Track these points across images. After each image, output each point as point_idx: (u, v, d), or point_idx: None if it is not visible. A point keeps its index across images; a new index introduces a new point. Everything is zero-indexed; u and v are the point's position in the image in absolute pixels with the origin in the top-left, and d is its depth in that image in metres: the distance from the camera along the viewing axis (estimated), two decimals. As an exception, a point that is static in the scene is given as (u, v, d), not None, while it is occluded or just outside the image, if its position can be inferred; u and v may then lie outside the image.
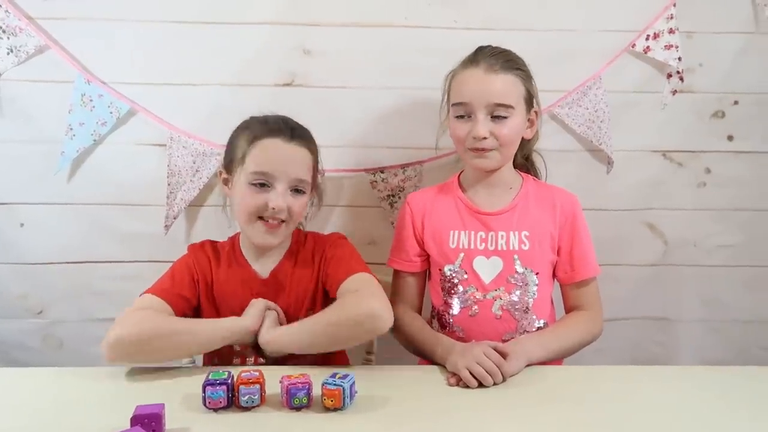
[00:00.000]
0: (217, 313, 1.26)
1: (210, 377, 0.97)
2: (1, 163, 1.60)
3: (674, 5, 1.57)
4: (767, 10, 1.58)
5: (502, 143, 1.25)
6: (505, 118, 1.23)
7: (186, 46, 1.57)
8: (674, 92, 1.62)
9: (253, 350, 1.20)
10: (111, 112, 1.56)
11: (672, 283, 1.72)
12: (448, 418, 0.95)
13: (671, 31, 1.58)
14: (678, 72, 1.60)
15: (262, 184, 1.22)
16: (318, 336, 1.13)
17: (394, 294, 1.37)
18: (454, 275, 1.29)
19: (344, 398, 0.95)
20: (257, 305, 1.19)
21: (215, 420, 0.94)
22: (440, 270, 1.31)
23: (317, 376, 0.98)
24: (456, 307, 1.29)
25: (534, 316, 1.28)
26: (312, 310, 1.26)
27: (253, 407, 0.96)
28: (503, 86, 1.24)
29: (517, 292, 1.27)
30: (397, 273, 1.38)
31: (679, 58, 1.58)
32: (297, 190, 1.24)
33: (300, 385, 0.96)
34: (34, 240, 1.63)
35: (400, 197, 1.62)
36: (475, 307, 1.27)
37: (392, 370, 1.18)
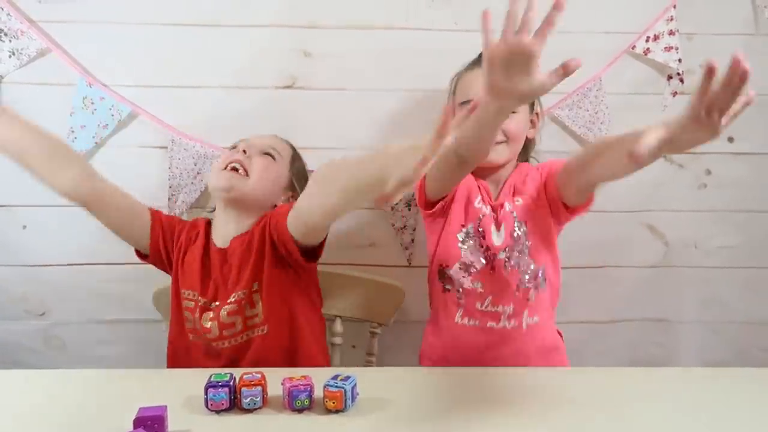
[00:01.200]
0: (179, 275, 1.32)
1: (212, 379, 0.97)
2: (3, 166, 1.59)
3: (674, 7, 1.58)
4: (767, 12, 1.59)
5: (510, 137, 1.30)
6: (513, 112, 1.26)
7: (187, 48, 1.57)
8: (674, 94, 1.63)
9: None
10: (112, 115, 1.56)
11: (672, 284, 1.72)
12: (450, 420, 0.95)
13: (671, 33, 1.58)
14: (678, 74, 1.61)
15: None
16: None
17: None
18: (470, 237, 1.33)
19: (346, 400, 0.95)
20: None
21: (217, 422, 0.94)
22: (463, 226, 1.34)
23: (319, 378, 0.98)
24: (478, 264, 1.32)
25: (531, 261, 1.32)
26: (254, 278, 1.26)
27: (255, 409, 0.97)
28: None
29: (519, 247, 1.32)
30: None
31: (680, 60, 1.59)
32: (266, 154, 1.34)
33: (302, 387, 0.96)
34: (36, 242, 1.64)
35: (400, 199, 1.63)
36: (489, 265, 1.31)
37: (394, 372, 1.18)
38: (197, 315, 1.27)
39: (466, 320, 1.35)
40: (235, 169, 1.30)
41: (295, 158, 1.42)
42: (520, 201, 1.34)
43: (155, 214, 1.33)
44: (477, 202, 1.35)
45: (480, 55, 1.30)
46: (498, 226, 1.33)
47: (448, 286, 1.36)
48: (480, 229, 1.33)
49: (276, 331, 1.26)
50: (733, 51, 1.62)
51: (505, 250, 1.32)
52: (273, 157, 1.35)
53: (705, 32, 1.61)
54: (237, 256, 1.28)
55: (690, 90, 1.62)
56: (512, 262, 1.32)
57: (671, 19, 1.58)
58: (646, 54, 1.59)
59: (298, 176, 1.41)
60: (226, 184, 1.29)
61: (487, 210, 1.34)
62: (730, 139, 1.66)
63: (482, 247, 1.33)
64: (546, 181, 1.32)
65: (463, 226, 1.35)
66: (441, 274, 1.38)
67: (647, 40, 1.59)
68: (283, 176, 1.38)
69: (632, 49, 1.60)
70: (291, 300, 1.28)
